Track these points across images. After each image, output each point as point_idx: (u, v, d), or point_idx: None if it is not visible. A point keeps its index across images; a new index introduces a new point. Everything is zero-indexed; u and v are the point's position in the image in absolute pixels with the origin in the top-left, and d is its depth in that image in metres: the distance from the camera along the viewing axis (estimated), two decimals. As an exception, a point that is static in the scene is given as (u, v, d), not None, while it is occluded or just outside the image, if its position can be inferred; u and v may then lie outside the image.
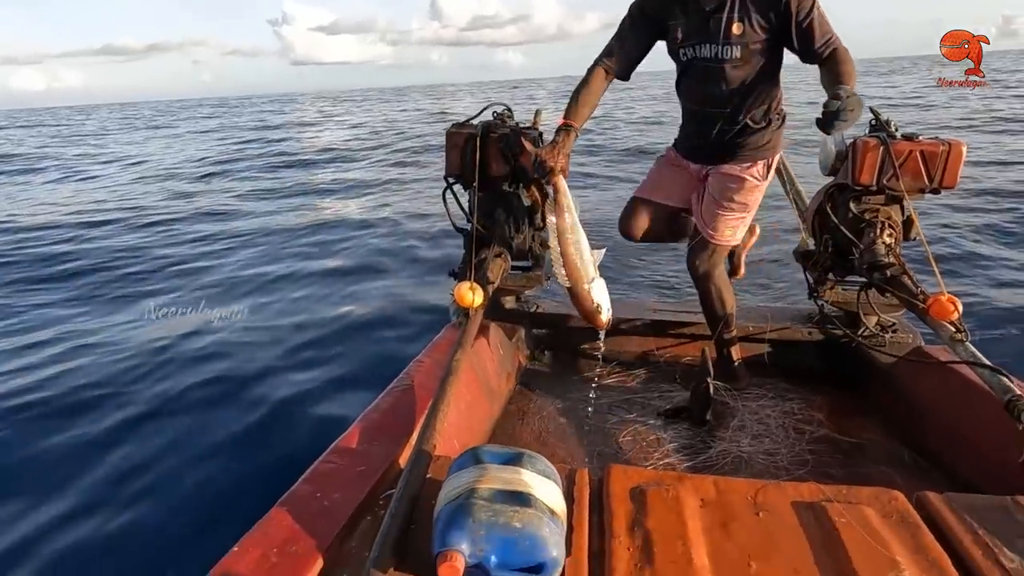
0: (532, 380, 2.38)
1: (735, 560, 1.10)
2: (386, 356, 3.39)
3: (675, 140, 2.27)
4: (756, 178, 2.08)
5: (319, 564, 1.07)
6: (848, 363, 2.32)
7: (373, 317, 4.05)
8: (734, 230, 2.17)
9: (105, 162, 15.73)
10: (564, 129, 1.87)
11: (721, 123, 2.01)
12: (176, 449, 2.72)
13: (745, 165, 2.06)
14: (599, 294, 1.75)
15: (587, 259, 1.73)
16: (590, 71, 1.98)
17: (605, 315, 1.76)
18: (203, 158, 14.96)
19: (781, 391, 2.23)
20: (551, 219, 1.74)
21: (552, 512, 1.06)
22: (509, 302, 2.51)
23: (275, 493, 1.25)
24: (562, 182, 1.78)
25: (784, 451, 1.87)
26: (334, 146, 16.32)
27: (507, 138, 2.17)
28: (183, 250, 6.25)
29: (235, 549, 1.08)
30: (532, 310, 2.54)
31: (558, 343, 2.60)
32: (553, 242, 1.75)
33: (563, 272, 1.73)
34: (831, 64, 1.81)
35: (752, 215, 2.18)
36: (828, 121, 1.64)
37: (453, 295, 1.92)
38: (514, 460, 1.14)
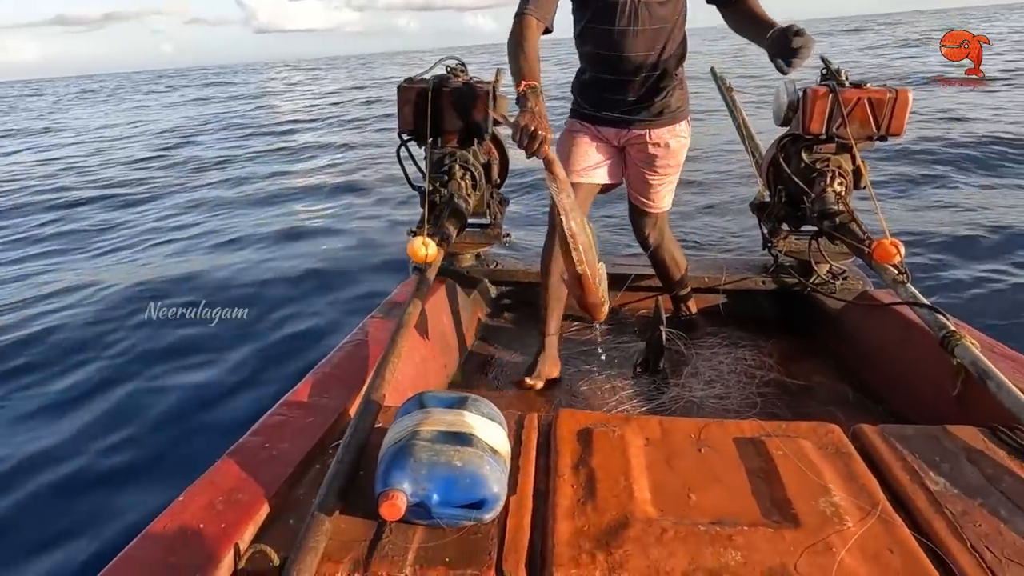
0: (491, 335, 2.40)
1: (675, 492, 1.14)
2: (349, 312, 3.43)
3: (577, 109, 2.07)
4: (683, 137, 2.03)
5: (265, 510, 1.08)
6: (800, 310, 2.38)
7: (336, 277, 4.08)
8: (671, 194, 2.16)
9: (69, 137, 15.35)
10: (532, 92, 1.59)
11: (642, 73, 1.89)
12: (143, 403, 2.79)
13: (669, 128, 1.99)
14: (605, 285, 1.56)
15: (592, 240, 1.51)
16: (521, 23, 1.74)
17: (607, 307, 1.59)
18: (166, 131, 14.62)
19: (735, 339, 2.28)
20: (552, 190, 1.48)
21: (494, 451, 1.08)
22: (468, 259, 2.51)
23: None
24: (554, 153, 1.55)
25: (735, 394, 1.92)
26: (298, 115, 16.06)
27: (459, 92, 2.15)
28: (151, 223, 6.16)
29: (181, 498, 1.08)
30: (492, 267, 2.54)
31: (518, 299, 2.62)
32: (561, 225, 1.47)
33: (576, 258, 1.47)
34: (747, 4, 1.80)
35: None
36: (787, 59, 1.63)
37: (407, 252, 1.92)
38: (458, 404, 1.16)
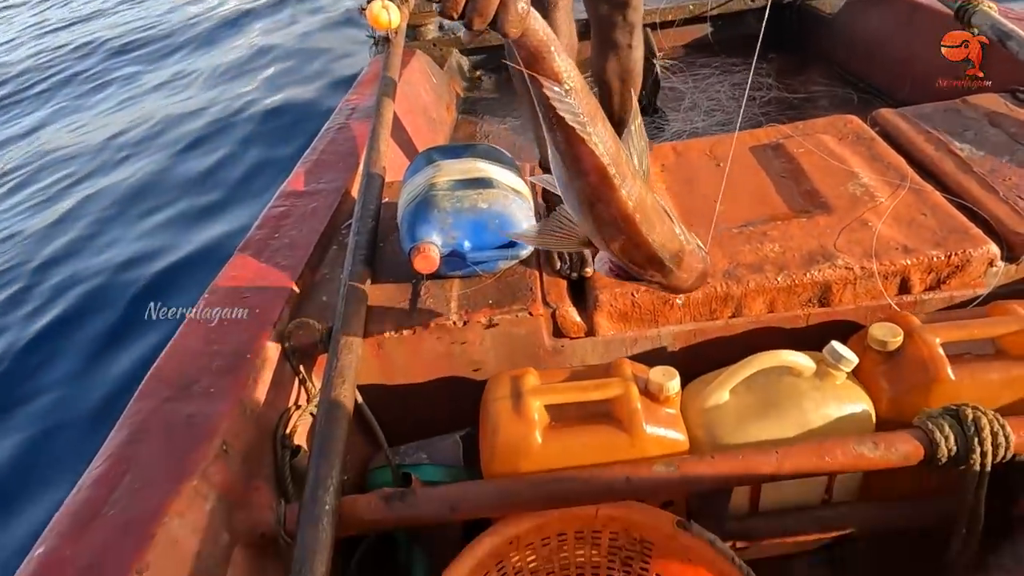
0: (474, 106, 2.26)
1: (702, 206, 1.11)
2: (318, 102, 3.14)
3: None
4: None
5: (293, 289, 1.05)
6: (794, 24, 2.23)
7: (295, 68, 3.72)
8: None
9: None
10: None
11: None
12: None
13: None
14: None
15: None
16: None
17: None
18: None
19: (728, 66, 2.16)
20: (559, 114, 0.59)
21: (516, 191, 1.03)
22: (431, 31, 2.29)
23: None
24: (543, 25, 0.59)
25: (737, 119, 1.85)
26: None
27: None
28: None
29: (205, 296, 1.05)
30: (459, 34, 2.33)
31: (493, 65, 2.44)
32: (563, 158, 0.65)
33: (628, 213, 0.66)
34: None
35: None
36: None
37: (367, 21, 1.72)
38: (465, 152, 1.08)
